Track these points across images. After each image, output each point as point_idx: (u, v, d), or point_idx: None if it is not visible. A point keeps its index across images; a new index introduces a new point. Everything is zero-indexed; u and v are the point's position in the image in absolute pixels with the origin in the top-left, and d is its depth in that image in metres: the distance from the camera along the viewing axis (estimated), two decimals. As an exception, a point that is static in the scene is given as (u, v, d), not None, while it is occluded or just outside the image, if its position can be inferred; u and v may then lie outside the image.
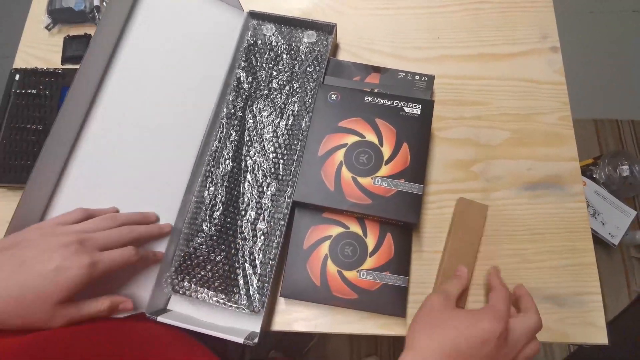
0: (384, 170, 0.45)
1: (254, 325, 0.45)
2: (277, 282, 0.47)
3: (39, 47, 0.60)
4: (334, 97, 0.48)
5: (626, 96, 1.51)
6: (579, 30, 1.55)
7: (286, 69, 0.53)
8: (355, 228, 0.47)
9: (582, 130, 1.47)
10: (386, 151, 0.46)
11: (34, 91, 0.53)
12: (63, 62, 0.59)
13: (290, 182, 0.48)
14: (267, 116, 0.51)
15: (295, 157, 0.49)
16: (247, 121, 0.51)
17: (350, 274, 0.45)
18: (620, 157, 1.37)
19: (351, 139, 0.46)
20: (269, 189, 0.48)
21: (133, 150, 0.49)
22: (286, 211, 0.47)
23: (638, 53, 1.53)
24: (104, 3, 0.60)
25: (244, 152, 0.50)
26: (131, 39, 0.52)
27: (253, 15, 0.55)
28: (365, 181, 0.45)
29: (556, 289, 0.47)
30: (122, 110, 0.50)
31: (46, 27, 0.59)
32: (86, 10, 0.59)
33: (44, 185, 0.45)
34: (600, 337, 0.45)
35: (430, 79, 0.52)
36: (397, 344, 1.17)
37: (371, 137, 0.46)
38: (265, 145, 0.50)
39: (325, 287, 0.45)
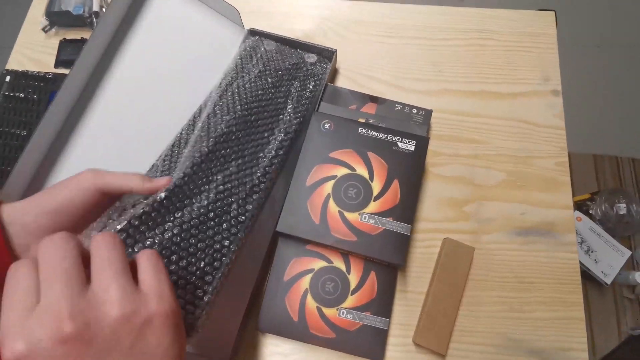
0: (373, 206, 0.44)
1: (225, 355, 0.43)
2: (252, 313, 0.45)
3: (35, 49, 0.59)
4: (327, 126, 0.47)
5: (628, 133, 1.50)
6: (585, 64, 1.55)
7: (282, 89, 0.52)
8: (338, 263, 0.45)
9: (581, 164, 1.47)
10: (376, 187, 0.44)
11: (22, 95, 0.51)
12: (56, 65, 0.57)
13: (273, 207, 0.47)
14: (259, 136, 0.50)
15: (271, 183, 0.47)
16: (238, 139, 0.50)
17: (329, 312, 0.43)
18: (618, 195, 1.36)
19: (341, 171, 0.45)
20: (251, 210, 0.47)
21: (121, 162, 0.47)
22: (266, 239, 0.45)
23: (643, 90, 1.53)
24: (103, 9, 0.59)
25: (232, 169, 0.49)
26: (129, 48, 0.51)
27: (253, 33, 0.54)
28: (352, 216, 0.43)
29: (542, 342, 0.45)
30: (112, 120, 0.48)
31: (43, 29, 0.58)
32: (84, 15, 0.58)
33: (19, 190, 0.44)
34: (584, 397, 0.43)
35: (428, 113, 0.51)
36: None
37: (362, 170, 0.45)
38: (255, 163, 0.49)
39: (303, 323, 0.43)
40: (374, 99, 0.52)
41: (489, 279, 0.48)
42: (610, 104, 1.52)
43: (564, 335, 0.45)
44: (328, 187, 0.44)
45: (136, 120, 0.49)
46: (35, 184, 0.45)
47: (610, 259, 1.28)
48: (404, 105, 0.51)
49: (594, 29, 1.60)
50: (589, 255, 1.28)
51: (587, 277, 1.26)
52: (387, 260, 0.42)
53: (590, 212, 1.36)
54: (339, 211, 0.44)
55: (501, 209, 0.50)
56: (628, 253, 1.28)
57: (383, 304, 0.44)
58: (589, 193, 1.40)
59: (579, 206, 1.38)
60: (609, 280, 1.26)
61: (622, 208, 1.34)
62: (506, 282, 0.47)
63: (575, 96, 1.43)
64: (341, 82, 0.57)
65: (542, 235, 0.49)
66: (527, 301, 0.47)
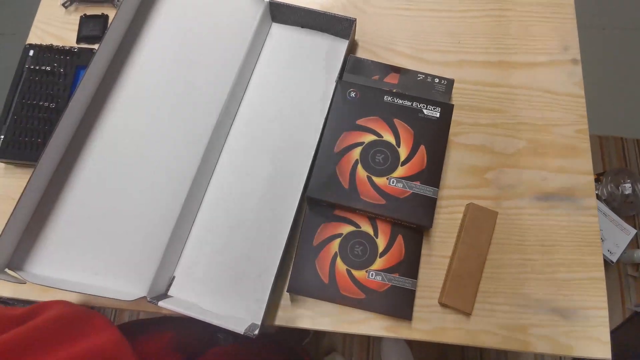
0: (400, 171, 0.45)
1: (256, 317, 0.44)
2: (281, 276, 0.47)
3: (54, 24, 0.59)
4: (353, 94, 0.48)
5: (633, 114, 1.51)
6: (590, 46, 1.55)
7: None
8: (366, 228, 0.46)
9: (587, 145, 1.47)
10: (403, 152, 0.45)
11: (47, 68, 0.52)
12: (78, 41, 0.58)
13: (297, 174, 0.48)
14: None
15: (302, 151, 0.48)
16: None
17: (359, 274, 0.45)
18: (623, 175, 1.38)
19: (368, 138, 0.46)
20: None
21: (146, 134, 0.48)
22: (295, 205, 0.46)
23: (647, 72, 1.54)
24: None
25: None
26: (152, 25, 0.52)
27: (273, 5, 0.55)
28: (380, 181, 0.44)
29: (563, 302, 0.47)
30: (138, 94, 0.49)
31: (63, 5, 0.59)
32: (105, -10, 0.58)
33: (53, 163, 0.45)
34: (604, 352, 0.45)
35: (450, 82, 0.52)
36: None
37: (388, 137, 0.46)
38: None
39: (334, 285, 0.44)
40: (396, 70, 0.53)
41: (511, 243, 0.49)
42: (615, 86, 1.52)
43: (585, 294, 0.47)
44: (356, 153, 0.45)
45: (159, 94, 0.50)
46: (67, 157, 0.46)
47: (616, 238, 1.30)
48: (426, 75, 0.52)
49: (599, 11, 1.60)
50: (595, 234, 1.30)
51: (593, 255, 1.28)
52: (416, 222, 0.43)
53: (596, 192, 1.37)
54: (368, 176, 0.45)
55: (522, 176, 0.51)
56: (633, 232, 1.30)
57: (410, 266, 0.45)
58: (595, 174, 1.41)
59: (585, 186, 1.39)
60: (614, 259, 1.28)
61: (627, 188, 1.36)
62: (528, 245, 0.49)
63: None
64: (361, 55, 0.57)
65: (562, 200, 0.50)
66: (548, 263, 0.48)
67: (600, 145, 1.48)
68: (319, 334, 1.17)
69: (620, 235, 1.30)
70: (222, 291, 0.46)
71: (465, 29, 0.58)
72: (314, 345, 1.18)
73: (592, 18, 1.58)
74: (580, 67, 0.55)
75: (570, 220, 0.49)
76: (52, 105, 0.50)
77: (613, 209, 1.32)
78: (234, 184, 0.49)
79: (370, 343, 1.20)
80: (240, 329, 0.40)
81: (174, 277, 0.46)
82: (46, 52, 0.53)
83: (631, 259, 1.31)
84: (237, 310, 0.45)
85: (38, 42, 0.56)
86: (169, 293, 0.46)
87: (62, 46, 0.53)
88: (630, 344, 1.25)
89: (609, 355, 0.45)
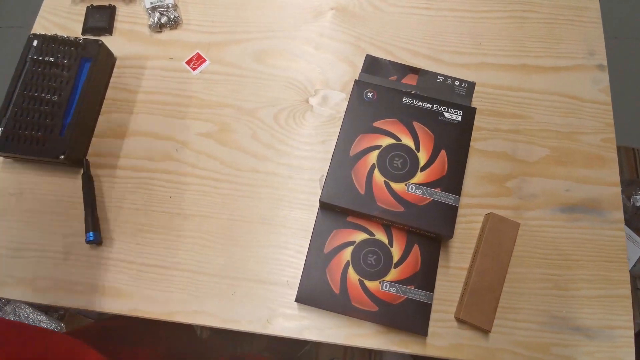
0: (419, 177, 0.42)
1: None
2: (289, 285, 0.44)
3: (60, 15, 0.57)
4: (370, 95, 0.46)
5: (645, 125, 1.48)
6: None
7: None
8: (380, 236, 0.44)
9: (598, 155, 1.44)
10: (422, 157, 0.43)
11: (51, 59, 0.49)
12: (84, 32, 0.56)
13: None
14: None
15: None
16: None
17: (372, 285, 0.42)
18: (634, 186, 1.35)
19: (386, 141, 0.44)
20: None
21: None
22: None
23: (661, 83, 1.51)
24: (133, -25, 0.57)
25: None
26: None
27: None
28: (398, 187, 0.42)
29: (587, 320, 0.44)
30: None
31: (70, -6, 0.57)
32: (113, -19, 0.56)
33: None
34: (630, 375, 0.42)
35: (471, 85, 0.49)
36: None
37: (407, 140, 0.44)
38: None
39: (345, 296, 0.42)
40: (414, 71, 0.50)
41: (533, 256, 0.46)
42: (627, 96, 1.49)
43: (610, 313, 0.44)
44: (373, 157, 0.43)
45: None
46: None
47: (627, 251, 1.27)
48: (446, 77, 0.50)
49: (612, 20, 1.57)
50: (605, 246, 1.27)
51: (603, 267, 1.25)
52: (436, 232, 0.41)
53: (606, 203, 1.34)
54: (385, 181, 0.42)
55: (545, 185, 0.49)
56: (644, 244, 1.27)
57: (427, 278, 0.43)
58: (604, 184, 1.38)
59: (595, 197, 1.36)
60: (624, 272, 1.25)
61: (638, 199, 1.33)
62: (550, 259, 0.46)
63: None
64: (378, 55, 0.55)
65: (587, 212, 0.48)
66: (572, 279, 0.45)
67: (612, 155, 1.45)
68: (318, 342, 1.14)
69: (632, 248, 1.26)
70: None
71: (487, 30, 0.56)
72: (313, 354, 1.15)
73: (605, 27, 1.56)
74: (606, 73, 0.53)
75: (595, 233, 0.47)
76: (55, 98, 0.48)
77: (624, 221, 1.29)
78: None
79: (372, 353, 1.17)
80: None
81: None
82: (50, 42, 0.51)
83: (641, 273, 1.28)
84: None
85: (43, 32, 0.54)
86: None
87: (67, 37, 0.51)
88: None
89: (634, 378, 0.43)
